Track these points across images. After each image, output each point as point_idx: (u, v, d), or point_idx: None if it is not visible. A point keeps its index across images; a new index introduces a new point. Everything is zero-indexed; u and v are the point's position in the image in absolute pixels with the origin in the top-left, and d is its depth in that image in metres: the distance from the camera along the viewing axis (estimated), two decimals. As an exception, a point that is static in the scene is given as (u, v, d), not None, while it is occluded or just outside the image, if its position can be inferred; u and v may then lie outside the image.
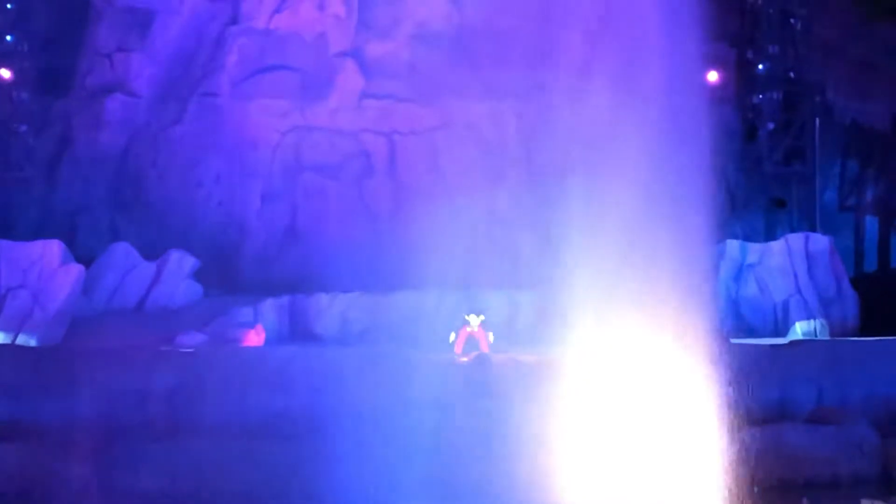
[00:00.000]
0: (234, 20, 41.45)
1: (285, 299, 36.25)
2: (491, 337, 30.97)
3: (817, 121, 40.18)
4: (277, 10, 41.34)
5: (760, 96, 41.38)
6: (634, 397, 26.27)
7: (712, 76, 40.59)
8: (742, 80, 41.95)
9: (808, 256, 36.25)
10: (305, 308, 36.06)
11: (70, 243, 36.59)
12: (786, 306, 35.77)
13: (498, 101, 36.28)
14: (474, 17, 40.70)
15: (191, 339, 33.03)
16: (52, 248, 34.77)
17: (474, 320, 30.95)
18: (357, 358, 27.79)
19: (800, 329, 35.28)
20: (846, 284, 36.81)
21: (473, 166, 36.10)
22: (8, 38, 40.63)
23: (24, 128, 40.52)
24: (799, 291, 35.24)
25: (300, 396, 28.68)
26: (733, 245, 36.78)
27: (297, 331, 35.77)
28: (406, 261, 30.38)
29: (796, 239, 36.56)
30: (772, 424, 28.45)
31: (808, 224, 40.16)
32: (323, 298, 36.06)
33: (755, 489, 26.59)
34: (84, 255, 36.39)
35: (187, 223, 39.71)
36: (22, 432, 29.08)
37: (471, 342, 31.31)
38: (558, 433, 26.47)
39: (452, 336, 30.10)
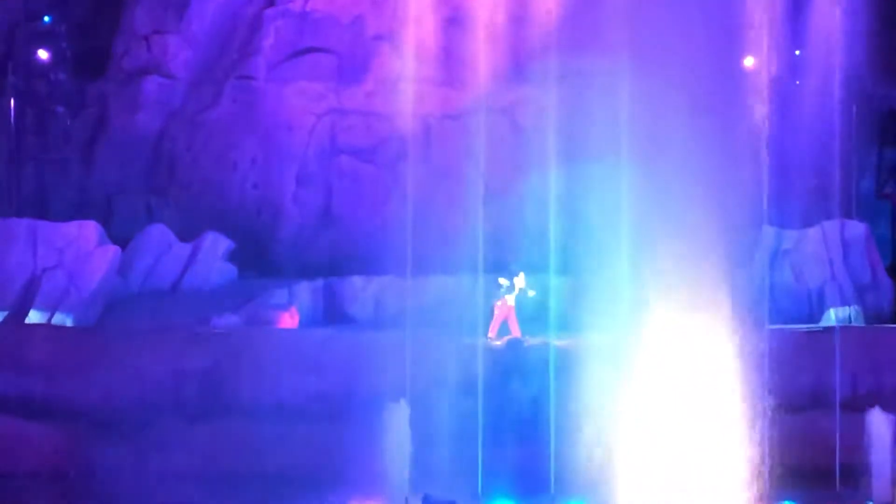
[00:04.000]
0: (270, 2, 41.36)
1: (320, 282, 36.28)
2: (531, 293, 31.03)
3: (854, 108, 39.93)
4: (314, -7, 41.33)
5: (798, 82, 41.18)
6: (667, 382, 26.31)
7: (749, 62, 40.39)
8: (779, 66, 41.70)
9: (844, 243, 35.99)
10: (340, 291, 36.09)
11: (106, 224, 36.65)
12: (821, 293, 35.55)
13: (533, 85, 36.06)
14: (510, 0, 40.60)
15: (225, 321, 33.09)
16: (89, 230, 34.84)
17: (519, 282, 31.08)
18: (391, 341, 27.82)
19: (834, 316, 35.09)
20: (881, 272, 36.56)
21: (507, 150, 36.00)
22: (45, 18, 40.72)
23: (60, 109, 40.61)
24: (834, 278, 35.02)
25: (334, 379, 28.76)
26: (769, 231, 36.60)
27: (331, 313, 35.78)
28: (440, 244, 30.36)
29: (832, 226, 36.31)
30: (806, 411, 28.42)
31: (844, 211, 39.90)
32: (357, 281, 36.08)
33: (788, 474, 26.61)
34: (120, 237, 36.40)
35: (222, 205, 39.74)
36: (57, 412, 29.24)
37: (504, 326, 31.34)
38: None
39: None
